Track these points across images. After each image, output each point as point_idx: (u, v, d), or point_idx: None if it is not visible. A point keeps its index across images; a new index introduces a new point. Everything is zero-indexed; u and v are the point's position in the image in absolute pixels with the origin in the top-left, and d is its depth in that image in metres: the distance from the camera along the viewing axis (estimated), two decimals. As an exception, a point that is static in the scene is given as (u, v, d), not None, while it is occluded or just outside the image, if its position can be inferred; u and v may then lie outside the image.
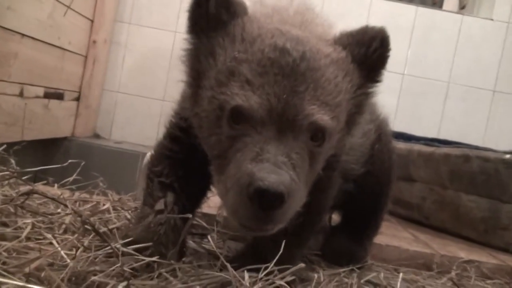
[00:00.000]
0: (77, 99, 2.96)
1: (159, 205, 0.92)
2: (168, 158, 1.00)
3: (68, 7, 2.54)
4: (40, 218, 0.80)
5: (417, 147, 1.75)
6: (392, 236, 1.50)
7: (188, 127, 0.93)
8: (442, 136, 2.90)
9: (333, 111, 0.79)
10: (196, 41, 0.87)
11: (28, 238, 0.72)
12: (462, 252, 1.46)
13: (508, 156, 1.51)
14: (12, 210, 0.78)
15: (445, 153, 1.63)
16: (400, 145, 1.80)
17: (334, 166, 0.98)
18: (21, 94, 2.28)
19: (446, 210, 1.66)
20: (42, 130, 2.56)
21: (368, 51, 0.87)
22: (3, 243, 0.68)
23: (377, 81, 0.92)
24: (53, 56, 2.54)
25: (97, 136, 3.16)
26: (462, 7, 3.28)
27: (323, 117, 0.76)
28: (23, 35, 2.18)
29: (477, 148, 1.68)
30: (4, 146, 1.04)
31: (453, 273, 1.30)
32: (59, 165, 1.22)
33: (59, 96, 2.70)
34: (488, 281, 1.32)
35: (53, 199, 0.89)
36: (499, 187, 1.53)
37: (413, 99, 3.09)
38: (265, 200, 0.67)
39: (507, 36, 3.08)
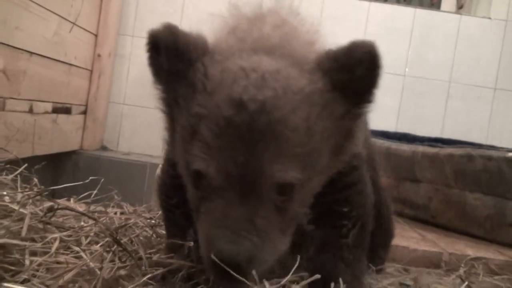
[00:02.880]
0: (84, 112, 3.02)
1: (191, 236, 0.90)
2: (180, 186, 0.94)
3: (74, 23, 2.60)
4: (66, 233, 0.85)
5: (421, 148, 1.79)
6: (400, 236, 1.53)
7: None
8: (446, 135, 2.93)
9: (304, 160, 0.73)
10: (163, 90, 0.83)
11: (57, 252, 0.77)
12: (469, 249, 1.49)
13: (510, 154, 1.55)
14: (40, 226, 0.83)
15: (449, 153, 1.66)
16: (404, 147, 1.84)
17: (356, 163, 0.93)
18: (30, 111, 2.33)
19: (452, 209, 1.69)
20: (52, 145, 2.61)
21: (354, 76, 0.76)
22: (35, 258, 0.72)
23: (368, 102, 0.81)
24: (60, 72, 2.59)
25: (104, 148, 3.21)
26: (460, 7, 3.32)
27: (287, 174, 0.70)
28: (31, 53, 2.24)
29: (480, 147, 1.71)
30: (25, 165, 1.08)
31: (461, 271, 1.33)
32: (81, 182, 1.26)
33: (66, 110, 2.75)
34: (496, 277, 1.35)
35: (83, 214, 0.93)
36: (503, 184, 1.57)
37: (415, 100, 3.13)
38: (221, 269, 0.67)
39: (506, 34, 3.11)
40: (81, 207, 1.36)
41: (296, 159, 0.71)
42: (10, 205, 0.84)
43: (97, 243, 0.85)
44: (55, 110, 2.59)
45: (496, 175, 1.57)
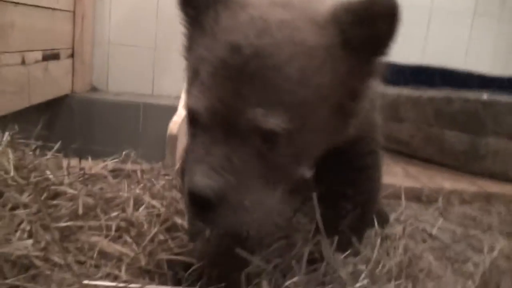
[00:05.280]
0: (72, 56, 3.01)
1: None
2: None
3: (52, -34, 2.52)
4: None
5: (405, 91, 1.94)
6: (386, 173, 1.73)
7: None
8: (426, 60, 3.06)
9: (292, 111, 0.71)
10: (184, 36, 0.85)
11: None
12: (446, 182, 1.71)
13: (485, 96, 1.72)
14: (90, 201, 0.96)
15: (430, 96, 1.83)
16: (390, 90, 1.98)
17: (373, 148, 0.96)
18: (23, 62, 2.35)
19: (432, 145, 1.89)
20: (45, 92, 2.65)
21: (371, 31, 0.73)
22: (96, 239, 0.87)
23: (381, 57, 0.78)
24: (45, 18, 2.56)
25: (94, 89, 3.25)
26: None
27: (269, 120, 0.69)
28: (16, 3, 2.21)
29: (459, 89, 1.88)
30: (39, 143, 1.19)
31: (439, 203, 1.55)
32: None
33: (55, 56, 2.76)
34: (467, 206, 1.58)
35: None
36: (477, 123, 1.75)
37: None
38: (195, 202, 0.69)
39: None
40: (99, 165, 1.48)
41: (283, 107, 0.70)
42: (60, 188, 0.97)
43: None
44: (45, 58, 2.59)
45: (472, 115, 1.74)
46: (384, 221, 1.34)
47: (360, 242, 0.95)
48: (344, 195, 0.94)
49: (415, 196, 1.62)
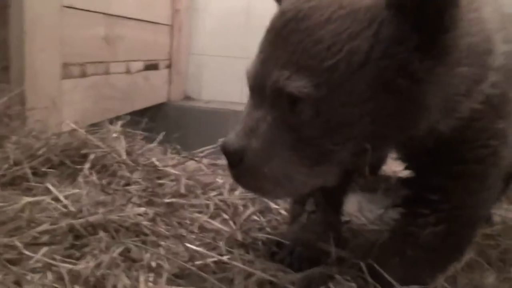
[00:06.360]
0: (169, 66, 3.24)
1: (310, 206, 0.94)
2: None
3: (155, -17, 2.75)
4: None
5: None
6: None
7: None
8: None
9: (320, 77, 0.65)
10: None
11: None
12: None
13: None
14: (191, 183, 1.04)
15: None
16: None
17: (487, 159, 0.76)
18: (128, 71, 2.58)
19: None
20: (146, 99, 2.88)
21: None
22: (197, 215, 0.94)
23: (439, 31, 0.63)
24: (148, 31, 2.80)
25: (188, 98, 3.46)
26: None
27: (292, 83, 0.65)
28: (125, 18, 2.44)
29: None
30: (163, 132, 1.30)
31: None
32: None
33: (155, 66, 2.99)
34: None
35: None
36: None
37: None
38: (224, 157, 0.72)
39: None
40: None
41: (308, 71, 0.65)
42: (165, 170, 1.06)
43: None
44: (146, 68, 2.83)
45: None
46: (485, 220, 1.27)
47: (432, 277, 0.79)
48: (427, 201, 0.78)
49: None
